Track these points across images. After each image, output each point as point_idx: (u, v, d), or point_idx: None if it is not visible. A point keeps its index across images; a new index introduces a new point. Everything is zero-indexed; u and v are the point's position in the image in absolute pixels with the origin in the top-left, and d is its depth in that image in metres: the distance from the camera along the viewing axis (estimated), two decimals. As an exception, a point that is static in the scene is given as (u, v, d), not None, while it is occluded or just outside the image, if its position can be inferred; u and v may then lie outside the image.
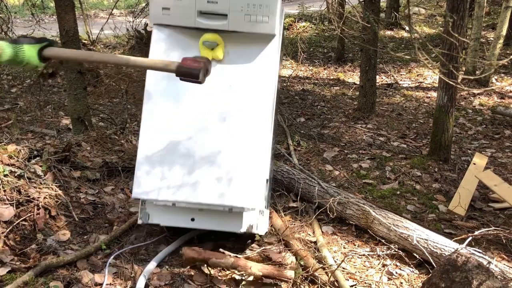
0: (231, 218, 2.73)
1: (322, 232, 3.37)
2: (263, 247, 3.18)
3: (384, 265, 2.99)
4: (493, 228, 3.09)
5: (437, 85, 5.50)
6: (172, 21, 2.71)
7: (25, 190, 3.17)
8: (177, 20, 2.70)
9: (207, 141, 2.70)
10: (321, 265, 2.88)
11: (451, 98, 4.40)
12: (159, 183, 2.70)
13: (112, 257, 2.94)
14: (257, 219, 2.75)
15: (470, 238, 2.83)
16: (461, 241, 2.83)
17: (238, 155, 2.66)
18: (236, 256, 2.86)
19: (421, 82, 7.83)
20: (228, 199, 2.61)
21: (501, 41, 7.27)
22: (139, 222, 2.86)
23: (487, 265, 2.37)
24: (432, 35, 10.06)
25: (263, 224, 2.83)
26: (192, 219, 2.76)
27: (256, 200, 2.63)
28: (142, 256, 3.01)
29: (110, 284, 2.70)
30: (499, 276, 2.53)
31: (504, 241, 3.13)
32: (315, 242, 3.23)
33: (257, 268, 2.69)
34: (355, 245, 3.25)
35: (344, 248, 3.20)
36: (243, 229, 2.72)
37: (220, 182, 2.63)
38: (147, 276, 2.72)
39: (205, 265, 2.80)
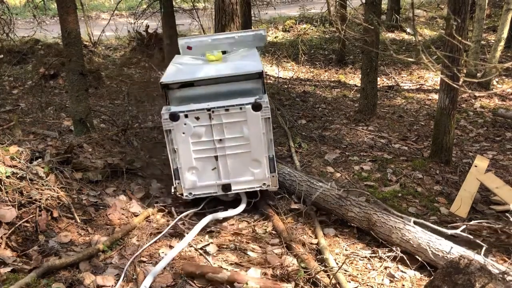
0: (239, 99, 3.44)
1: (324, 234, 3.37)
2: (265, 249, 3.19)
3: (386, 268, 2.98)
4: (486, 221, 3.10)
5: (438, 87, 5.50)
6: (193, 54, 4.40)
7: (27, 192, 3.17)
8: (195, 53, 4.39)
9: (218, 65, 3.85)
10: (323, 268, 2.88)
11: (453, 100, 4.40)
12: (183, 73, 3.68)
13: (114, 258, 2.95)
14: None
15: (464, 226, 2.86)
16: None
17: (240, 61, 3.95)
18: (234, 270, 2.87)
19: (422, 84, 7.83)
20: (240, 70, 3.57)
21: (502, 43, 7.28)
22: (163, 112, 3.38)
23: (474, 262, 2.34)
24: (433, 37, 10.07)
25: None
26: (208, 105, 3.40)
27: (257, 67, 3.59)
28: (143, 258, 3.02)
29: (112, 286, 2.70)
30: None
31: (501, 234, 3.13)
32: (317, 244, 3.23)
33: (255, 281, 2.69)
34: (357, 247, 3.25)
35: (346, 250, 3.20)
36: (252, 99, 3.40)
37: (232, 66, 3.75)
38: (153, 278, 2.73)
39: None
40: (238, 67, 3.63)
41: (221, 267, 2.93)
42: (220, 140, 3.44)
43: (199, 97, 3.50)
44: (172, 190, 3.57)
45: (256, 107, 3.35)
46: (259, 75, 3.51)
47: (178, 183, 3.52)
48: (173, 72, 3.69)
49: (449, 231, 2.93)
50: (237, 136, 3.44)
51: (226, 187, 3.55)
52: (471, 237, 2.88)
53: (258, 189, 3.60)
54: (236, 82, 3.53)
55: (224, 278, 2.72)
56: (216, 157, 3.48)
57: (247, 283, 2.66)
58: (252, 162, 3.50)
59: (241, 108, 3.36)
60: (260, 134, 3.42)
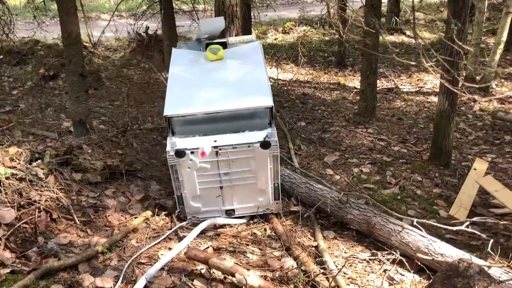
0: (247, 135, 3.32)
1: (323, 236, 3.37)
2: (264, 251, 3.19)
3: (385, 270, 2.98)
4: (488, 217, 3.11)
5: (437, 90, 5.51)
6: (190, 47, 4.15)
7: (26, 193, 3.17)
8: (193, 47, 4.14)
9: (221, 80, 3.65)
10: (322, 270, 2.88)
11: (452, 103, 4.40)
12: (186, 105, 3.42)
13: (113, 260, 2.95)
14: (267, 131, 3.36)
15: (468, 222, 2.91)
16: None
17: (248, 84, 3.60)
18: (236, 264, 2.87)
19: (421, 87, 7.85)
20: (249, 104, 3.36)
21: (501, 46, 7.29)
22: (169, 149, 3.25)
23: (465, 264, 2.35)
24: (432, 40, 10.09)
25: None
26: (215, 141, 3.29)
27: (267, 101, 3.38)
28: (142, 259, 3.01)
29: (111, 287, 2.69)
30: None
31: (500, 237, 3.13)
32: (316, 247, 3.23)
33: (255, 279, 2.69)
34: (356, 250, 3.25)
35: (345, 253, 3.20)
36: (260, 139, 3.27)
37: (238, 96, 3.46)
38: (148, 279, 2.72)
39: (205, 264, 2.82)
40: (246, 99, 3.40)
41: (225, 258, 2.93)
42: (226, 173, 3.37)
43: (204, 121, 3.40)
44: (176, 214, 3.57)
45: (265, 145, 3.26)
46: (268, 108, 3.37)
47: (182, 208, 3.50)
48: (176, 101, 3.46)
49: (454, 228, 2.96)
50: (244, 169, 3.36)
51: (230, 212, 3.56)
52: (477, 232, 2.89)
53: (261, 213, 3.60)
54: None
55: (227, 266, 2.73)
56: (221, 187, 3.44)
57: (247, 281, 2.65)
58: (257, 191, 3.47)
59: (249, 146, 3.27)
60: (267, 169, 3.35)
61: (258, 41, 4.16)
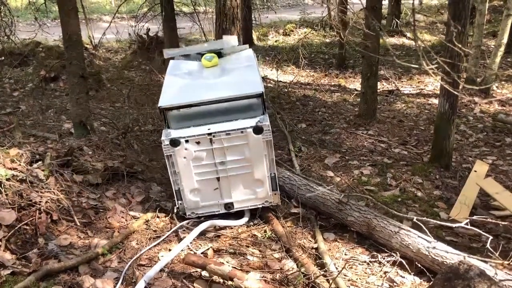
0: (239, 122, 3.39)
1: (324, 238, 3.37)
2: (264, 253, 3.19)
3: (385, 272, 2.98)
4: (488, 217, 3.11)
5: (438, 92, 5.51)
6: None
7: (27, 194, 3.17)
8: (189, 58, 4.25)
9: (216, 80, 3.71)
10: (322, 272, 2.87)
11: (453, 106, 4.40)
12: (181, 95, 3.51)
13: (113, 262, 2.95)
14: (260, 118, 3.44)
15: (467, 220, 2.92)
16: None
17: (240, 77, 3.72)
18: (235, 268, 2.87)
19: (422, 89, 7.85)
20: (240, 91, 3.44)
21: (502, 48, 7.29)
22: (164, 138, 3.31)
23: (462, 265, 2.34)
24: (433, 42, 10.10)
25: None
26: (209, 129, 3.34)
27: (258, 88, 3.45)
28: (142, 261, 3.01)
29: (111, 289, 2.70)
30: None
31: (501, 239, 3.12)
32: (316, 249, 3.23)
33: (254, 283, 2.68)
34: (356, 251, 3.25)
35: (346, 254, 3.20)
36: (253, 122, 3.35)
37: (232, 85, 3.55)
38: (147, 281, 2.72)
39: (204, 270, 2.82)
40: (238, 87, 3.50)
41: (223, 263, 2.93)
42: (222, 162, 3.40)
43: (198, 115, 3.44)
44: (175, 210, 3.57)
45: (258, 130, 3.31)
46: (259, 95, 3.44)
47: (180, 204, 3.51)
48: (170, 94, 3.55)
49: (454, 225, 2.96)
50: (239, 158, 3.39)
51: (229, 206, 3.56)
52: (476, 229, 2.90)
53: (260, 206, 3.61)
54: (236, 101, 3.46)
55: (225, 272, 2.73)
56: (218, 178, 3.46)
57: (245, 286, 2.65)
58: (254, 181, 3.48)
59: (242, 132, 3.31)
60: (262, 156, 3.38)
61: (251, 49, 4.31)
